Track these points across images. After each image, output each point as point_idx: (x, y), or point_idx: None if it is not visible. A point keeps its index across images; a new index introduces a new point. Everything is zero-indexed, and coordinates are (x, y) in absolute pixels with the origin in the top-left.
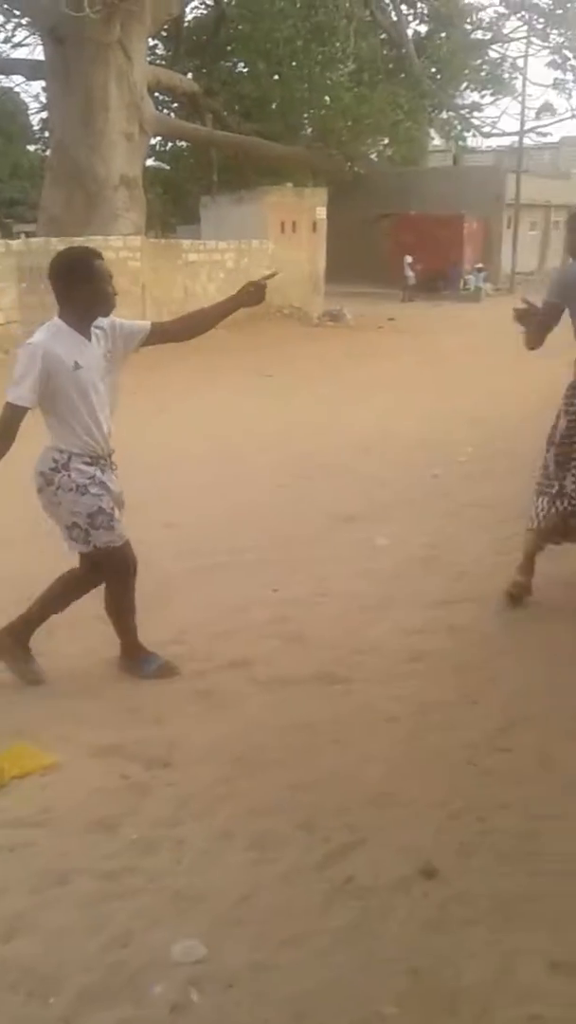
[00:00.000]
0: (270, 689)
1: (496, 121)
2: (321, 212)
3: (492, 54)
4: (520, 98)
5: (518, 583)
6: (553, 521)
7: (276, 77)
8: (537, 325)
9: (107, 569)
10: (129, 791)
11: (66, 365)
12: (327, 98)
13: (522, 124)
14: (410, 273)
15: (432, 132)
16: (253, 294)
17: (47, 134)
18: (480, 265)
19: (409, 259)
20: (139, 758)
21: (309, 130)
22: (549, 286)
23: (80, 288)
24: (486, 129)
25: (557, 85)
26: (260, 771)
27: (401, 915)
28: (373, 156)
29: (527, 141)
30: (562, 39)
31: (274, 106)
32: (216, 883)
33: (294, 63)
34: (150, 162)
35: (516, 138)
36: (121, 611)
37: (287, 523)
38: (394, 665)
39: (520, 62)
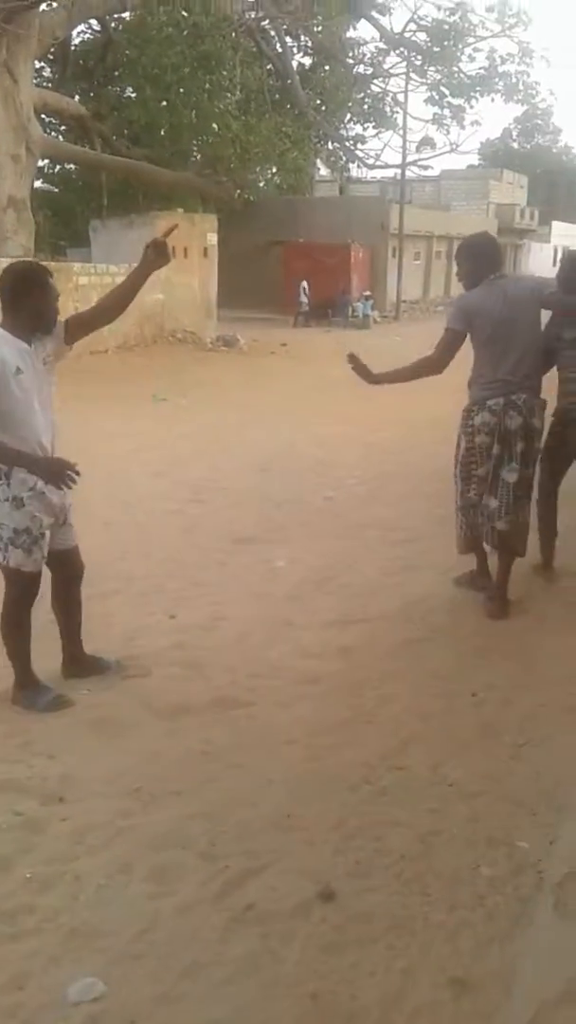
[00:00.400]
0: (168, 717)
1: (379, 153)
2: (212, 238)
3: (374, 88)
4: (401, 132)
5: (491, 599)
6: (472, 531)
7: (164, 103)
8: (445, 350)
9: (8, 589)
10: (23, 828)
11: (9, 368)
12: (215, 126)
13: (404, 157)
14: (304, 299)
15: (319, 162)
16: (158, 256)
17: None
18: (368, 293)
19: (305, 285)
20: (33, 793)
21: (198, 157)
22: (452, 314)
23: (31, 299)
24: (370, 161)
25: (436, 120)
26: (158, 802)
27: (301, 939)
28: (262, 184)
29: (409, 173)
30: (439, 76)
31: (162, 132)
32: (114, 918)
33: (181, 90)
34: (38, 184)
35: (399, 170)
36: (9, 635)
37: (182, 548)
38: (292, 687)
39: (401, 97)
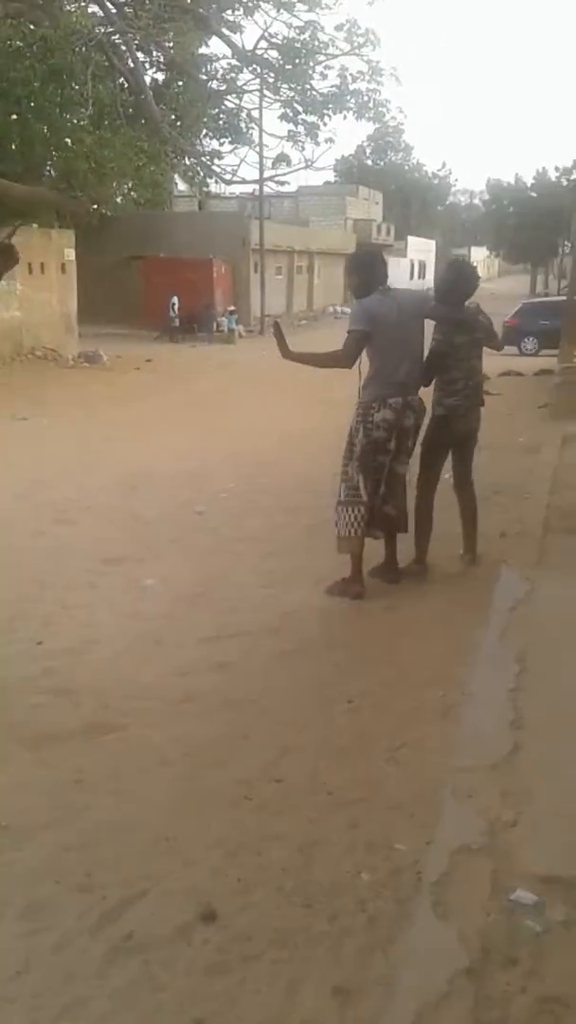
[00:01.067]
0: (36, 747)
1: (236, 169)
2: (69, 253)
3: (228, 104)
4: (258, 148)
5: (359, 595)
6: (367, 521)
7: (14, 117)
8: (353, 348)
9: None
10: None
11: None
12: (68, 140)
13: (261, 173)
14: (173, 314)
15: (177, 178)
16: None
17: None
18: (232, 308)
19: (175, 300)
20: None
21: (52, 171)
22: (356, 316)
23: None
24: (227, 176)
25: (291, 137)
26: (30, 836)
27: (184, 964)
28: (119, 199)
29: (267, 189)
30: (292, 93)
31: (14, 146)
32: None
33: (32, 104)
34: None
35: (257, 186)
36: None
37: (49, 570)
38: (167, 707)
39: (255, 113)
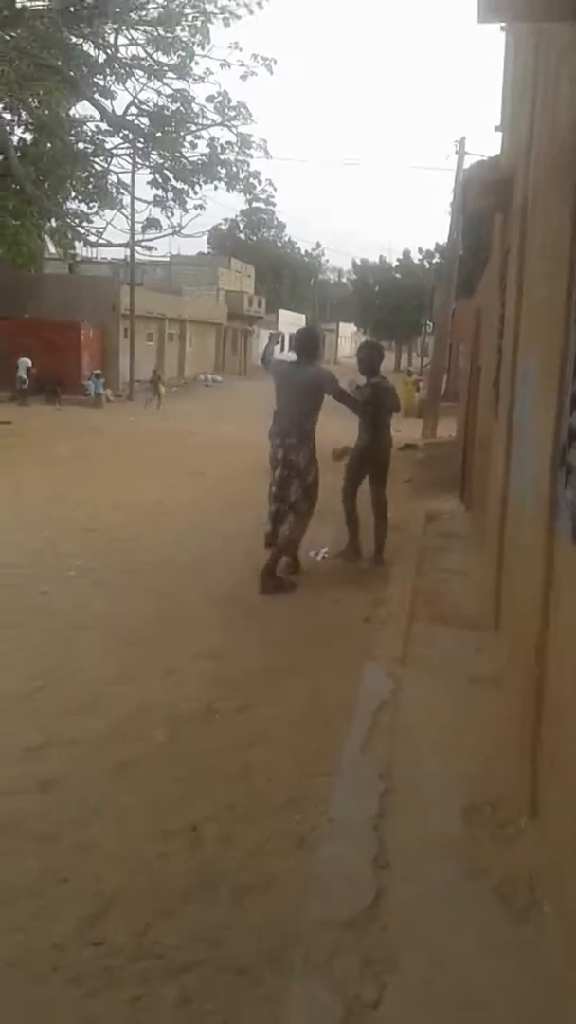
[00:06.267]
0: None
1: (102, 231)
2: None
3: (96, 166)
4: (127, 212)
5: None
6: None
7: None
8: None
9: None
10: None
11: None
12: None
13: (132, 237)
14: (23, 375)
15: (47, 239)
16: None
17: None
18: (98, 371)
19: (28, 363)
20: None
21: None
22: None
23: None
24: (92, 238)
25: (158, 202)
26: None
27: None
28: None
29: (139, 255)
30: (162, 160)
31: None
32: None
33: None
34: None
35: (127, 251)
36: None
37: None
38: None
39: (124, 177)
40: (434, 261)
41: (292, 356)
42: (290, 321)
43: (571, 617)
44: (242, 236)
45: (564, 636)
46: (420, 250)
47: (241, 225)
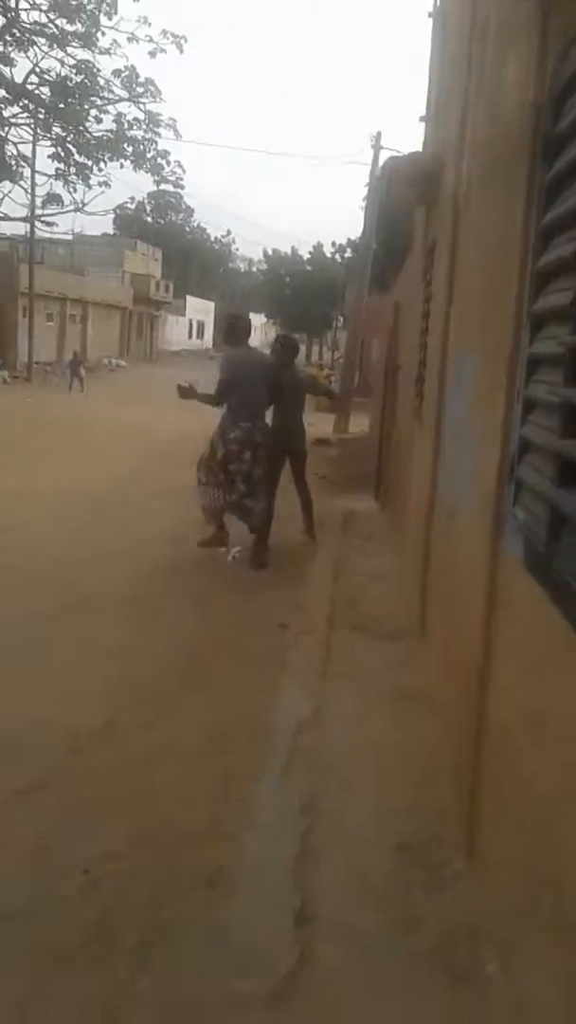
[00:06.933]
0: None
1: None
2: None
3: None
4: (26, 185)
5: (217, 536)
6: (222, 503)
7: None
8: (218, 398)
9: None
10: None
11: None
12: None
13: (32, 211)
14: None
15: None
16: None
17: None
18: None
19: None
20: None
21: None
22: (223, 366)
23: None
24: None
25: (60, 175)
26: None
27: None
28: None
29: (42, 233)
30: (64, 134)
31: None
32: None
33: None
34: None
35: (27, 226)
36: None
37: None
38: None
39: (22, 149)
40: (346, 255)
41: (207, 343)
42: (198, 308)
43: (519, 642)
44: (149, 219)
45: (510, 661)
46: (333, 244)
47: (148, 208)
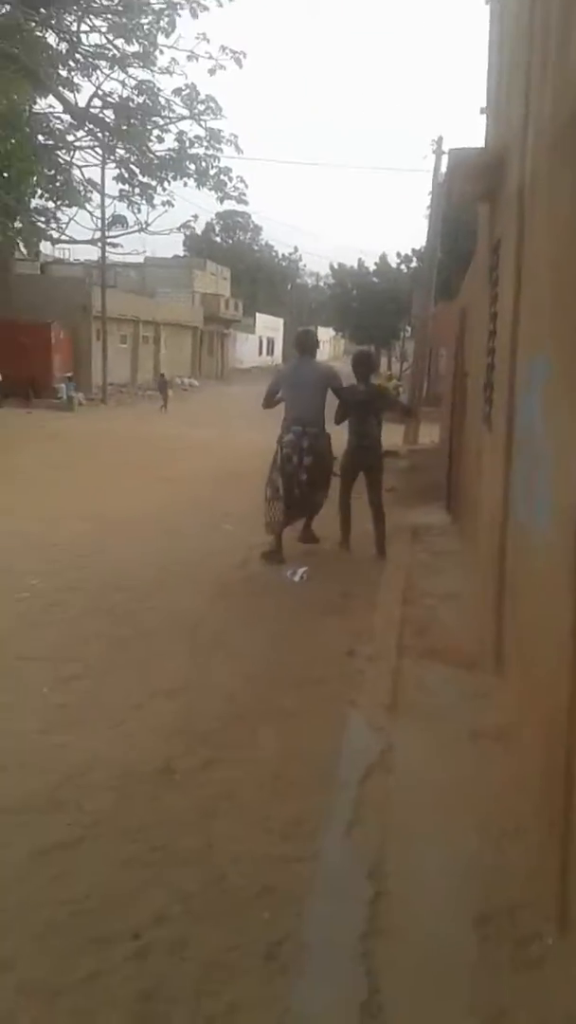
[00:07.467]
0: None
1: (65, 227)
2: None
3: (60, 161)
4: (93, 208)
5: (276, 551)
6: (283, 517)
7: None
8: (264, 402)
9: None
10: None
11: None
12: None
13: (103, 234)
14: None
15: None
16: None
17: None
18: (69, 374)
19: None
20: None
21: None
22: (272, 375)
23: None
24: (53, 235)
25: (123, 196)
26: None
27: None
28: None
29: (113, 257)
30: (128, 155)
31: None
32: None
33: None
34: None
35: (99, 250)
36: None
37: None
38: None
39: (88, 172)
40: (412, 265)
41: (277, 359)
42: (268, 324)
43: None
44: (218, 239)
45: None
46: (398, 254)
47: (217, 228)
